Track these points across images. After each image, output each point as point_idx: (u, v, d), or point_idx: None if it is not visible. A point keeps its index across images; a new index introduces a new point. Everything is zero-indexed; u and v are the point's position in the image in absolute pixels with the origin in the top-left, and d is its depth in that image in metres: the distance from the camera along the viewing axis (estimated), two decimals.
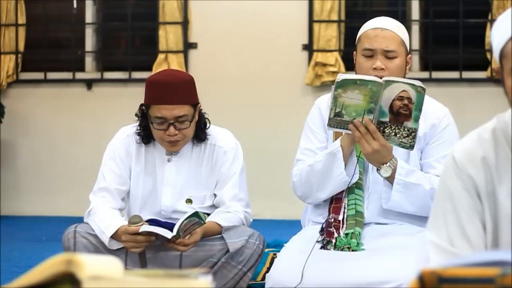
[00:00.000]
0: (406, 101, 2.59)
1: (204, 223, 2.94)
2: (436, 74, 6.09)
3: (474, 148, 1.79)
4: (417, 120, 2.61)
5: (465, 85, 6.09)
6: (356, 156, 2.81)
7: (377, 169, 2.74)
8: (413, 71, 6.18)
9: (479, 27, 6.07)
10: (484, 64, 6.04)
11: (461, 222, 1.76)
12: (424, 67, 6.22)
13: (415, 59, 6.19)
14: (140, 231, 2.89)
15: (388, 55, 2.83)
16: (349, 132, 2.67)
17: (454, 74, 6.10)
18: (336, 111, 2.63)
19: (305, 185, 2.90)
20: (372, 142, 2.64)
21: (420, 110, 2.59)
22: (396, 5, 6.22)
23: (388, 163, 2.72)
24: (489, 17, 5.99)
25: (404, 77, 2.84)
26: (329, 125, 2.67)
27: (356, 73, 2.89)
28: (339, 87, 2.60)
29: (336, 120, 2.64)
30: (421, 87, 2.58)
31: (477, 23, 6.09)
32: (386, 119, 2.63)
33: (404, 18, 6.19)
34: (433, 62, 6.12)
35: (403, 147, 2.67)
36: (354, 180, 2.80)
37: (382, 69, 2.80)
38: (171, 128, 3.02)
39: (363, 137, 2.64)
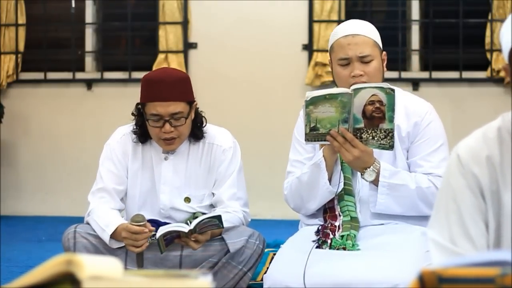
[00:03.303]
0: (377, 104, 2.60)
1: (223, 227, 2.95)
2: (436, 74, 6.09)
3: (479, 147, 1.79)
4: (391, 120, 2.62)
5: (465, 85, 6.09)
6: (341, 163, 2.82)
7: (361, 174, 2.75)
8: (413, 71, 6.19)
9: (479, 27, 6.07)
10: (484, 64, 6.04)
11: (464, 222, 1.75)
12: (424, 67, 6.22)
13: (415, 59, 6.19)
14: (157, 237, 2.88)
15: (364, 60, 2.82)
16: (328, 143, 2.69)
17: (454, 74, 6.10)
18: (311, 126, 2.65)
19: (295, 198, 2.92)
20: (352, 149, 2.65)
21: (393, 110, 2.61)
22: (396, 5, 6.21)
23: (371, 167, 2.73)
24: (489, 17, 5.99)
25: (383, 75, 2.86)
26: (307, 139, 2.69)
27: (334, 81, 2.90)
28: (309, 105, 2.62)
29: (313, 134, 2.67)
30: (389, 88, 2.60)
31: (477, 23, 6.09)
32: (361, 125, 2.65)
33: (404, 18, 6.19)
34: (433, 62, 6.12)
35: (383, 148, 2.68)
36: (339, 188, 2.81)
37: (361, 75, 2.80)
38: (167, 125, 3.03)
39: (342, 147, 2.65)
